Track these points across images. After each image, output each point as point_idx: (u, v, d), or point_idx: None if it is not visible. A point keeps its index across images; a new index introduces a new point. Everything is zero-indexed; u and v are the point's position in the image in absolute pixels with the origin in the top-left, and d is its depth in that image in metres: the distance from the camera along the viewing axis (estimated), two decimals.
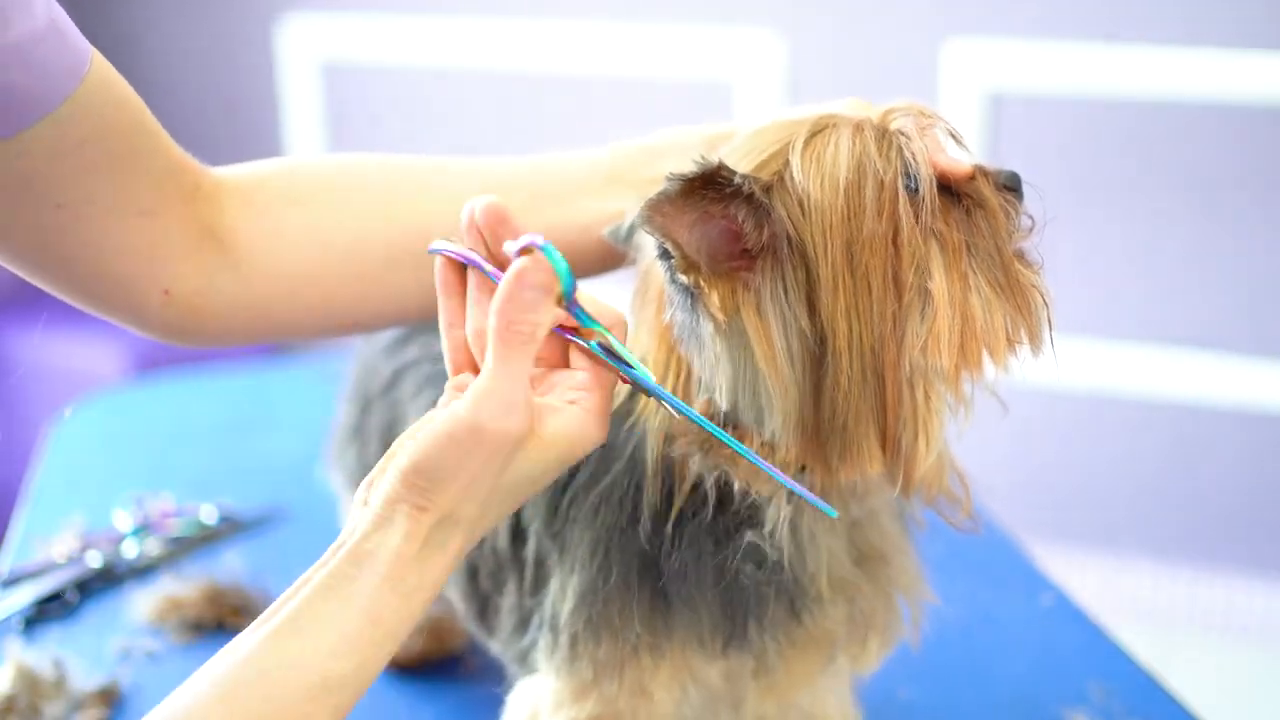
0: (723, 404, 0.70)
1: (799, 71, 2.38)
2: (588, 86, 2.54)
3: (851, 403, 0.67)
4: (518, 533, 0.81)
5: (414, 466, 0.62)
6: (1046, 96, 2.23)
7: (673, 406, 0.69)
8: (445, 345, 0.70)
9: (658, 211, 0.65)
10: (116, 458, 1.50)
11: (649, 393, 0.69)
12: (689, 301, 0.68)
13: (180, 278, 0.76)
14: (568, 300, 0.66)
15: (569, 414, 0.66)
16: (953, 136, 0.72)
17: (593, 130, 0.88)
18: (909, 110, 0.72)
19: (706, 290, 0.66)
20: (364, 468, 1.01)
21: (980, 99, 2.24)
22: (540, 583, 0.80)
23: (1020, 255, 0.72)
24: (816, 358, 0.67)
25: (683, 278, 0.67)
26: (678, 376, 0.73)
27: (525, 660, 0.81)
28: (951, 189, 0.71)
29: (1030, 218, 0.73)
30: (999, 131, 2.26)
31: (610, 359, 0.68)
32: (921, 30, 2.28)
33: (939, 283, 0.67)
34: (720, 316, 0.67)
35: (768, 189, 0.67)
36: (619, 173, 0.82)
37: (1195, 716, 0.99)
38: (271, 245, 0.79)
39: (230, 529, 1.30)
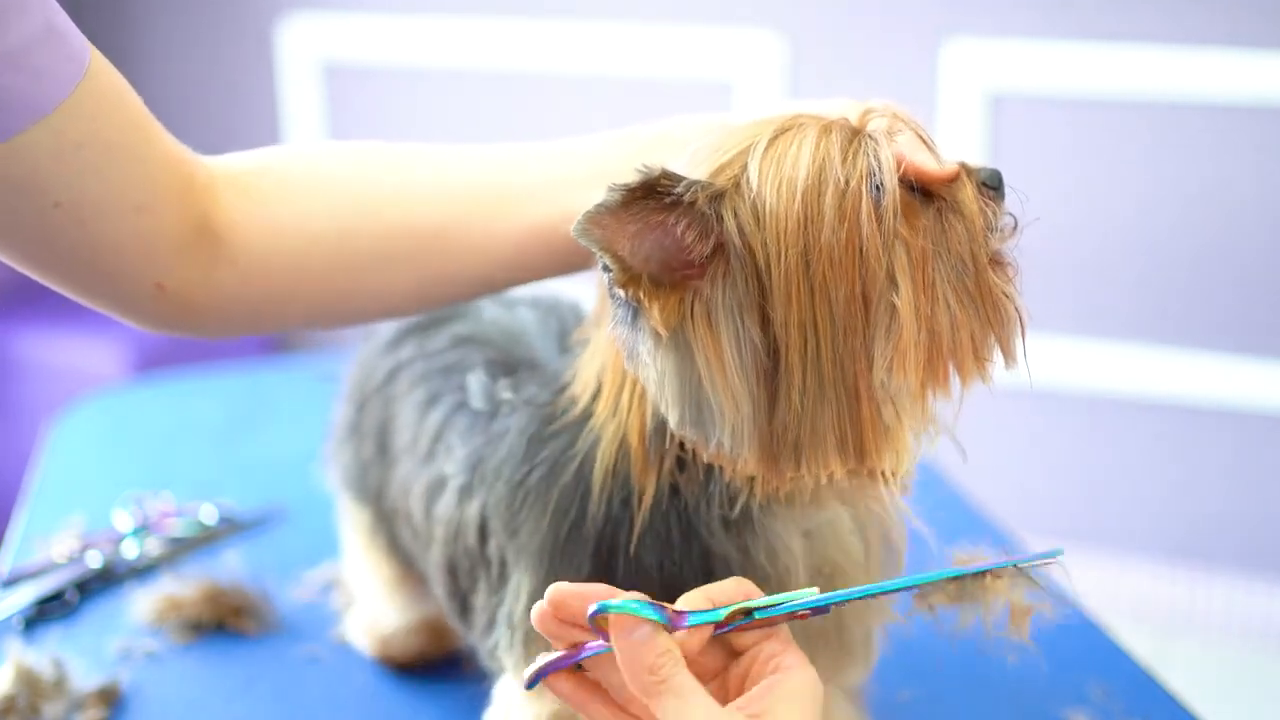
0: (669, 417, 0.68)
1: (799, 71, 2.38)
2: (588, 86, 2.54)
3: (806, 418, 0.65)
4: (484, 529, 0.81)
5: None
6: (1046, 96, 2.24)
7: (855, 598, 0.67)
8: None
9: (596, 224, 0.63)
10: (116, 458, 1.50)
11: (828, 605, 0.66)
12: (629, 316, 0.66)
13: (173, 272, 0.76)
14: (668, 625, 0.63)
15: (777, 679, 0.64)
16: (925, 143, 0.69)
17: (593, 131, 0.87)
18: (884, 112, 0.70)
19: (646, 304, 0.64)
20: (360, 465, 1.01)
21: (980, 99, 2.24)
22: (503, 580, 0.80)
23: (996, 260, 0.69)
24: (769, 371, 0.65)
25: (621, 292, 0.65)
26: (634, 385, 0.72)
27: (495, 656, 0.81)
28: (927, 192, 0.68)
29: (1013, 218, 0.70)
30: (999, 131, 2.26)
31: (767, 612, 0.65)
32: (921, 30, 2.28)
33: (905, 295, 0.64)
34: (661, 331, 0.65)
35: (717, 196, 0.65)
36: (611, 164, 0.80)
37: (1195, 716, 0.99)
38: (264, 238, 0.78)
39: (230, 529, 1.30)
